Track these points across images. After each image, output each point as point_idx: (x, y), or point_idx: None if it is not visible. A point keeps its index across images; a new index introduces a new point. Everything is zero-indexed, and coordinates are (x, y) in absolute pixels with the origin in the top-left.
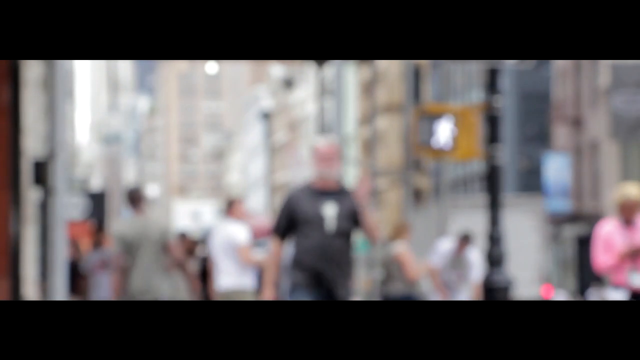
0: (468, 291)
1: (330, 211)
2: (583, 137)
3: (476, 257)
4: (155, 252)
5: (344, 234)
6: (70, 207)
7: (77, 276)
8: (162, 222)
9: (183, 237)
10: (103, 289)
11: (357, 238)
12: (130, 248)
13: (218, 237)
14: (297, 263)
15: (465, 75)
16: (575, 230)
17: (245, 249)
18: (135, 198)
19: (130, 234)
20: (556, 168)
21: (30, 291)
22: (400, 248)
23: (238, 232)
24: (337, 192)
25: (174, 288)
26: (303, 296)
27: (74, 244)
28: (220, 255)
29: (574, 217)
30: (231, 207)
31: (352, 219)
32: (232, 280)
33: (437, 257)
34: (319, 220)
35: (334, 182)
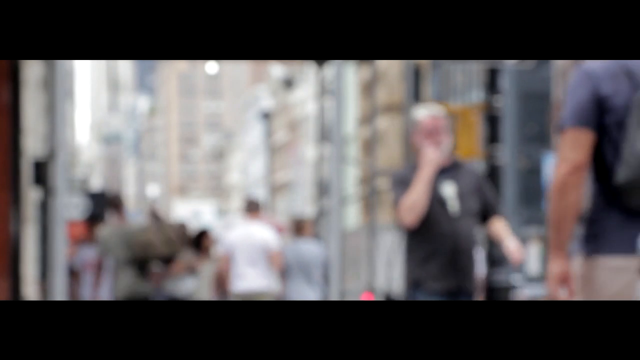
0: None
1: (449, 190)
2: None
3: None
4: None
5: (469, 215)
6: (70, 207)
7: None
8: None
9: (204, 233)
10: (100, 289)
11: None
12: (115, 254)
13: (249, 240)
14: (418, 255)
15: (465, 75)
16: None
17: (280, 255)
18: (116, 204)
19: (112, 240)
20: None
21: (30, 291)
22: None
23: (272, 237)
24: (452, 168)
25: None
26: (427, 295)
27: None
28: (249, 258)
29: None
30: (256, 210)
31: (476, 196)
32: (262, 282)
33: None
34: (440, 202)
35: (446, 157)
